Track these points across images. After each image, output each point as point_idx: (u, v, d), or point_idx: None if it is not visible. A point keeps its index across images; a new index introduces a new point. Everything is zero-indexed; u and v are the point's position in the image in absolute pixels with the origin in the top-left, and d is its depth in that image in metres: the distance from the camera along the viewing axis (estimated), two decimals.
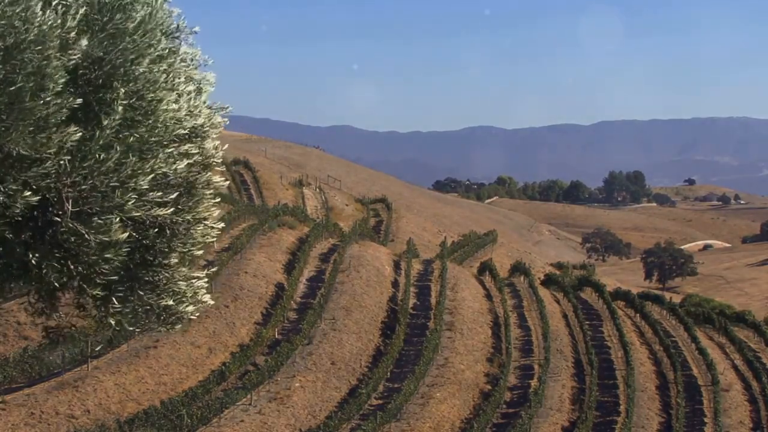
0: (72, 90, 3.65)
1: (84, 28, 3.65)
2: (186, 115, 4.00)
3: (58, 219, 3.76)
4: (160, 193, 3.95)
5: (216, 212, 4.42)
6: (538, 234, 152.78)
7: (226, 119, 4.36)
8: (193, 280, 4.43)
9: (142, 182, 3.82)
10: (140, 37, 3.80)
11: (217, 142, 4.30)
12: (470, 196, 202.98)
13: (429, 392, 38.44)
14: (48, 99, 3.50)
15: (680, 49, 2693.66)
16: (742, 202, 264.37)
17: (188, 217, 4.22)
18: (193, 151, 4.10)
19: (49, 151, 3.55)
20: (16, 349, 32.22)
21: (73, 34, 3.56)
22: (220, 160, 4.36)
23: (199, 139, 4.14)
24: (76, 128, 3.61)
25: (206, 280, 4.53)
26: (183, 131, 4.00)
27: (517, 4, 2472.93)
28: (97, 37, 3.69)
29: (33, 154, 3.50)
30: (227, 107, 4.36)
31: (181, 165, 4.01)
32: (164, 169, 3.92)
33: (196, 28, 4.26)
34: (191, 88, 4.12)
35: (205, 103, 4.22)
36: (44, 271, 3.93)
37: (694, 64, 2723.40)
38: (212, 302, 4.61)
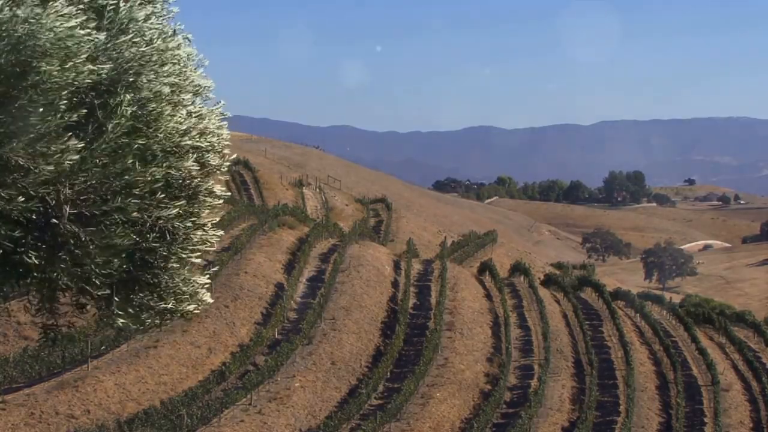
0: (75, 99, 3.66)
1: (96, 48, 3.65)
2: (192, 127, 4.01)
3: (57, 221, 3.76)
4: (162, 195, 3.96)
5: (215, 219, 4.42)
6: (538, 234, 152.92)
7: (227, 133, 4.37)
8: (194, 279, 4.44)
9: (143, 188, 3.83)
10: (147, 47, 3.82)
11: (224, 152, 4.31)
12: (470, 196, 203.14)
13: (429, 392, 38.45)
14: (51, 114, 3.50)
15: (680, 49, 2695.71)
16: (742, 202, 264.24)
17: (188, 223, 4.23)
18: (194, 166, 4.11)
19: (47, 166, 3.56)
20: (16, 349, 32.22)
21: (85, 61, 3.57)
22: (225, 169, 4.37)
23: (203, 151, 4.15)
24: (75, 142, 3.61)
25: (207, 278, 4.54)
26: (189, 142, 4.01)
27: (517, 4, 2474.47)
28: (104, 45, 3.70)
29: (31, 166, 3.50)
30: (226, 114, 4.36)
31: (180, 172, 4.02)
32: (165, 174, 3.93)
33: (189, 35, 4.26)
34: (197, 100, 4.13)
35: (214, 114, 4.22)
36: (45, 272, 3.94)
37: (695, 65, 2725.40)
38: (211, 300, 4.63)
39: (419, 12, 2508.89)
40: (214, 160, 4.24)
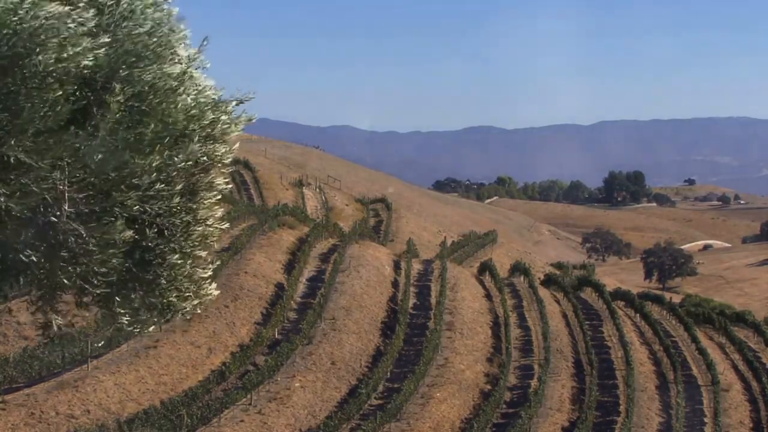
0: (71, 98, 3.65)
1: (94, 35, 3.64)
2: (191, 115, 3.99)
3: (56, 219, 3.76)
4: (163, 186, 3.95)
5: (218, 213, 4.40)
6: (538, 234, 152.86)
7: (253, 115, 4.32)
8: (196, 274, 4.43)
9: (143, 179, 3.82)
10: (144, 41, 3.81)
11: (227, 146, 4.28)
12: (470, 196, 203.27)
13: (429, 392, 38.44)
14: (49, 110, 3.49)
15: (681, 49, 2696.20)
16: (742, 202, 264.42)
17: (188, 218, 4.21)
18: (198, 150, 4.09)
19: (47, 158, 3.55)
20: (16, 349, 32.22)
21: (85, 47, 3.55)
22: (228, 162, 4.34)
23: (210, 141, 4.13)
24: (75, 131, 3.61)
25: (210, 273, 4.53)
26: (191, 129, 3.99)
27: (517, 2, 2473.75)
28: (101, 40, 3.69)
29: (32, 162, 3.50)
30: (249, 98, 4.31)
31: (180, 158, 3.99)
32: (164, 162, 3.91)
33: (188, 31, 4.23)
34: (199, 92, 4.10)
35: (224, 108, 4.20)
36: (45, 271, 3.93)
37: (695, 64, 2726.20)
38: (217, 292, 4.62)
39: (419, 10, 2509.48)
40: (218, 149, 4.22)
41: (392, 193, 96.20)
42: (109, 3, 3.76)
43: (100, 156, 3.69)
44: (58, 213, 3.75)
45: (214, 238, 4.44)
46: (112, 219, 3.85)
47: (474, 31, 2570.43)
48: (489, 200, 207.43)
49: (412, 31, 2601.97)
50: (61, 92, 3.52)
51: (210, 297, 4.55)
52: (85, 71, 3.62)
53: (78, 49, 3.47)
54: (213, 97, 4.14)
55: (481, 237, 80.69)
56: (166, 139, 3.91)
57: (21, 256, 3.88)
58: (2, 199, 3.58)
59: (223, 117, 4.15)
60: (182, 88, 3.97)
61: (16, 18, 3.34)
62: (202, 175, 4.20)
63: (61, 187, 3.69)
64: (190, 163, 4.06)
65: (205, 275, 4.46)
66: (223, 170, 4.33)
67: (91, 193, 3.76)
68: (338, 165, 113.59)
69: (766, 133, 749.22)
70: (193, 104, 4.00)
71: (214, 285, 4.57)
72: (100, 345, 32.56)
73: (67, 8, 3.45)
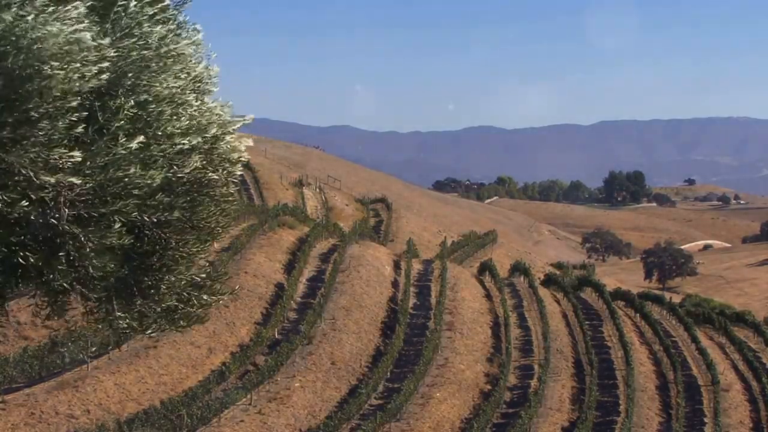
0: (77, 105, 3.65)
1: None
2: (193, 124, 3.98)
3: (55, 222, 3.76)
4: (165, 196, 3.95)
5: (223, 219, 4.40)
6: (538, 234, 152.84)
7: (249, 117, 4.32)
8: (202, 276, 4.44)
9: (143, 189, 3.82)
10: (150, 52, 3.80)
11: (238, 151, 4.27)
12: (470, 196, 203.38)
13: (429, 392, 38.44)
14: (57, 121, 3.49)
15: (680, 49, 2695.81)
16: (742, 202, 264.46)
17: (187, 226, 4.21)
18: (200, 163, 4.09)
19: (49, 177, 3.55)
20: (16, 349, 32.21)
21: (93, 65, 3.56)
22: (238, 172, 4.34)
23: (207, 146, 4.12)
24: (77, 153, 3.60)
25: (227, 277, 4.53)
26: (190, 142, 3.99)
27: (516, 2, 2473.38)
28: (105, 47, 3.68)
29: (32, 176, 3.50)
30: (246, 119, 4.34)
31: (186, 170, 3.99)
32: (167, 175, 3.91)
33: (198, 26, 4.22)
34: (197, 98, 4.09)
35: (223, 111, 4.19)
36: (45, 274, 3.93)
37: (695, 64, 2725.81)
38: (235, 287, 4.63)
39: (420, 10, 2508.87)
40: (220, 166, 4.21)
41: (392, 193, 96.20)
42: (113, 16, 3.76)
43: (104, 161, 3.69)
44: (57, 215, 3.75)
45: (213, 240, 4.44)
46: (110, 224, 3.84)
47: (475, 30, 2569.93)
48: (489, 200, 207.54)
49: (412, 31, 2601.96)
50: (68, 105, 3.52)
51: (223, 298, 4.56)
52: (90, 85, 3.62)
53: (85, 71, 3.47)
54: (218, 113, 4.14)
55: (481, 237, 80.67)
56: (168, 153, 3.91)
57: (18, 258, 3.88)
58: (0, 206, 3.57)
59: (229, 137, 4.16)
60: (188, 99, 3.97)
61: (20, 34, 3.34)
62: (204, 188, 4.20)
63: (62, 192, 3.69)
64: (190, 175, 4.06)
65: (220, 279, 4.46)
66: (233, 181, 4.32)
67: (89, 198, 3.75)
68: (338, 165, 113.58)
69: (766, 133, 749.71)
70: (196, 116, 3.99)
71: (227, 291, 4.58)
72: (94, 350, 32.52)
73: (72, 27, 3.44)
